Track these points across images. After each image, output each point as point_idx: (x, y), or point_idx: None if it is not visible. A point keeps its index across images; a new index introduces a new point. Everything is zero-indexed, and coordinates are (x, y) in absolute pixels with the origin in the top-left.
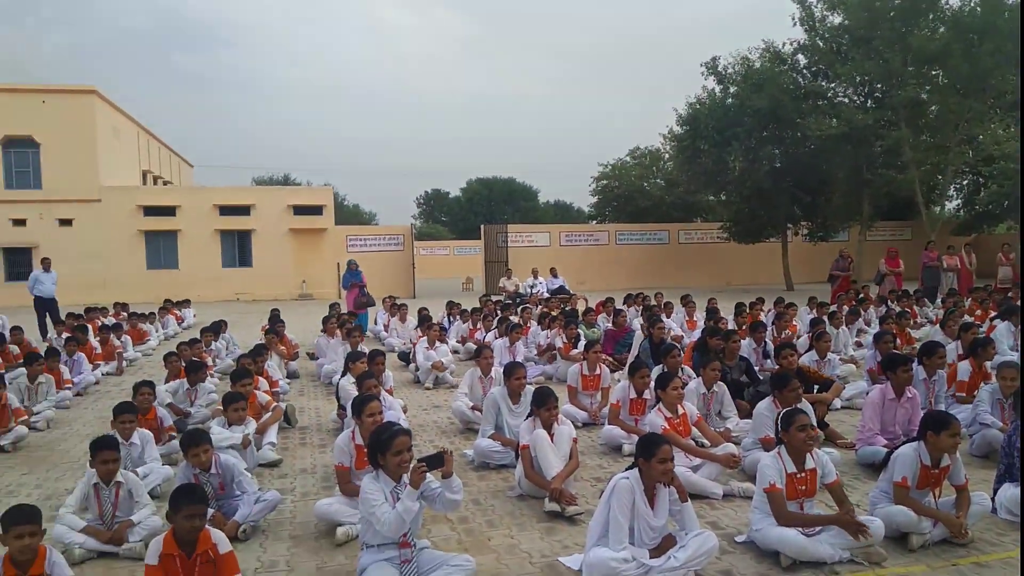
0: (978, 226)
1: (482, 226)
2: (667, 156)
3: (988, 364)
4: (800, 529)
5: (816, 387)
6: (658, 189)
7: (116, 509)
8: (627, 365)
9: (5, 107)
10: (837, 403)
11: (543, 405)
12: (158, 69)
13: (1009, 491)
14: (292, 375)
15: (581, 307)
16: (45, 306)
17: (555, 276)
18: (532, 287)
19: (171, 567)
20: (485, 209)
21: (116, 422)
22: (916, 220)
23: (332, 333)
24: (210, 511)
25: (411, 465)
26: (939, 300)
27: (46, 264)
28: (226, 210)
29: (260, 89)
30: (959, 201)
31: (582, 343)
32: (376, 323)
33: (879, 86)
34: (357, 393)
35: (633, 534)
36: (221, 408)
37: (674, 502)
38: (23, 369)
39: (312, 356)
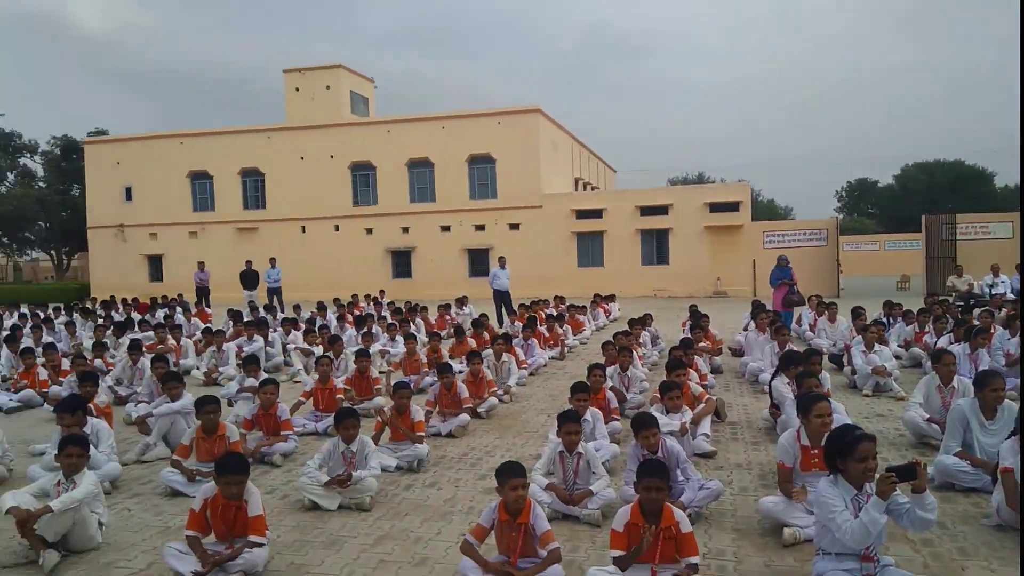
0: None
1: (923, 217)
2: None
3: None
4: None
5: None
6: None
7: (576, 476)
8: None
9: (470, 130)
10: None
11: None
12: (584, 83)
13: None
14: (716, 370)
15: None
16: (502, 298)
17: None
18: (992, 286)
19: (635, 535)
20: (924, 198)
21: (573, 399)
22: None
23: (763, 328)
24: None
25: (876, 475)
26: None
27: (502, 262)
28: (646, 211)
29: (672, 92)
30: None
31: None
32: (800, 323)
33: None
34: (791, 393)
35: None
36: (658, 395)
37: None
38: (490, 350)
39: (735, 352)
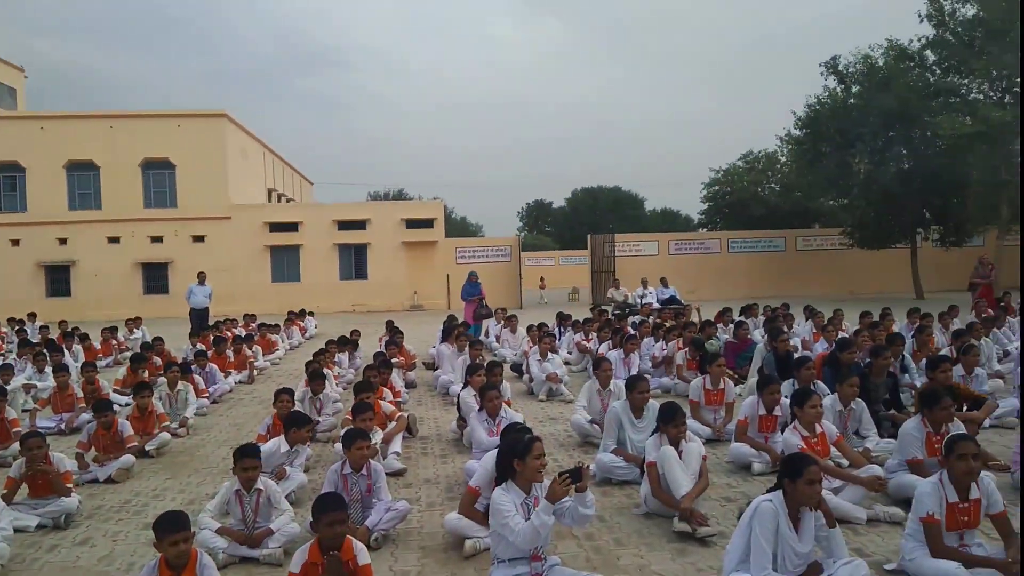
0: None
1: (588, 236)
2: (783, 160)
3: None
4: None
5: (965, 405)
6: (774, 195)
7: (256, 515)
8: (749, 379)
9: (145, 131)
10: (986, 422)
11: (671, 421)
12: (282, 93)
13: None
14: (410, 385)
15: (695, 317)
16: (199, 316)
17: (665, 286)
18: (642, 297)
19: (313, 575)
20: (590, 219)
21: (291, 435)
22: None
23: (462, 347)
24: None
25: (546, 477)
26: None
27: (201, 278)
28: (344, 225)
29: (374, 108)
30: None
31: None
32: (488, 335)
33: (1018, 80)
34: (477, 404)
35: (776, 560)
36: (349, 418)
37: (820, 527)
38: (164, 378)
39: (429, 366)
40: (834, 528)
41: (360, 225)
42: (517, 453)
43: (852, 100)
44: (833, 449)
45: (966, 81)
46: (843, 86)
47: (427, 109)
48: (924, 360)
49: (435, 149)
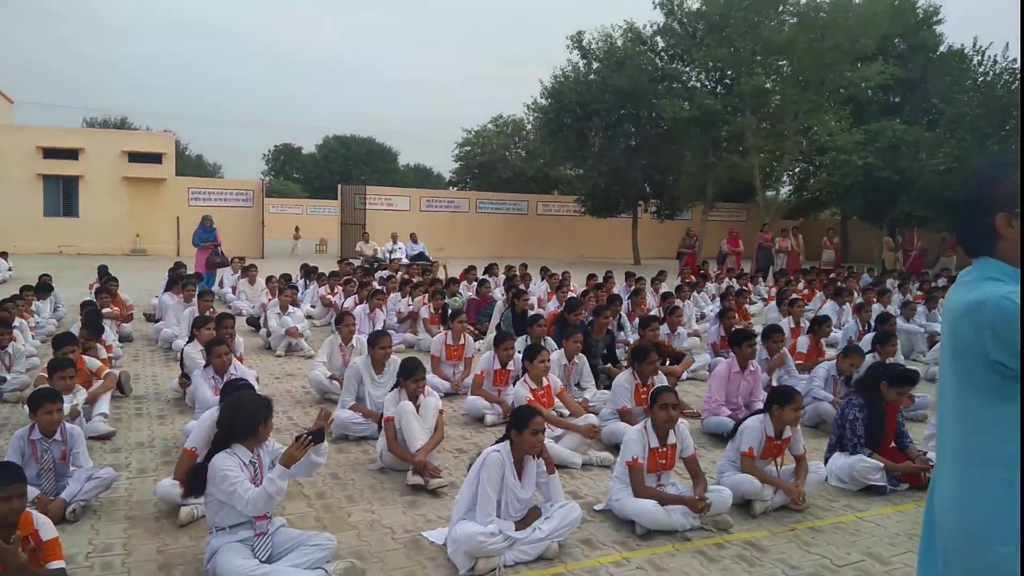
0: (805, 211)
1: (339, 186)
2: (530, 127)
3: (824, 340)
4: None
5: (668, 360)
6: (520, 160)
7: None
8: (488, 335)
9: None
10: (684, 375)
11: (411, 376)
12: None
13: (839, 460)
14: (125, 338)
15: (441, 274)
16: None
17: (415, 242)
18: (391, 252)
19: None
20: (342, 168)
21: None
22: (751, 203)
23: (189, 298)
24: (35, 491)
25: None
26: (770, 278)
27: None
28: (50, 153)
29: (93, 20)
30: (790, 187)
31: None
32: (222, 285)
33: (729, 73)
34: (203, 360)
35: (500, 507)
36: (45, 375)
37: (541, 474)
38: None
39: (150, 318)
40: (553, 474)
41: (71, 154)
42: (264, 418)
43: (592, 76)
44: (557, 400)
45: (687, 69)
46: (585, 61)
47: (158, 28)
48: (637, 319)
49: (169, 77)
